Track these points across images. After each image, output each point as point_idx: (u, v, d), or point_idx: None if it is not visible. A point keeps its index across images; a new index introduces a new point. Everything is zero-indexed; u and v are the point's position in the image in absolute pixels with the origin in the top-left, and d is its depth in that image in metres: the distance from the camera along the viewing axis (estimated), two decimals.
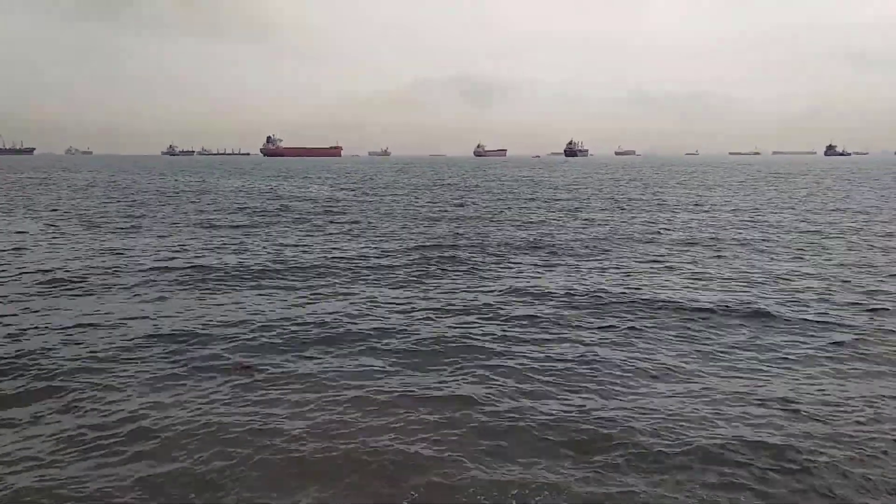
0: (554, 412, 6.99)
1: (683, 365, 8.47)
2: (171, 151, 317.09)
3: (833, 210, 29.87)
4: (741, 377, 8.06)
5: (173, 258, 16.08)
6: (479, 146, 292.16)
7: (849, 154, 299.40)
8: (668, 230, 22.16)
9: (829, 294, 12.38)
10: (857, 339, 9.51)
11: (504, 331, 9.92)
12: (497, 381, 7.87)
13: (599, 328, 10.11)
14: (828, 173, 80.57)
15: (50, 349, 8.90)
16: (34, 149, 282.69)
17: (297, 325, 10.17)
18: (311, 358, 8.67)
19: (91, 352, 8.83)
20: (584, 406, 7.17)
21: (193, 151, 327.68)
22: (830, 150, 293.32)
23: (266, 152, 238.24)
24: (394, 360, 8.62)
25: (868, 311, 11.15)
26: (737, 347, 9.19)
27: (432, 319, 10.55)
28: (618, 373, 8.14)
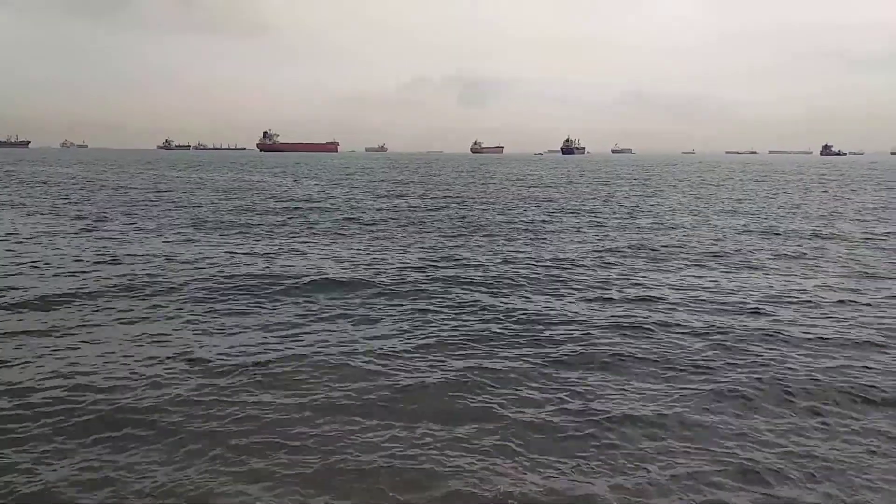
0: (551, 476, 6.57)
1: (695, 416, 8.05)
2: (166, 146, 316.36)
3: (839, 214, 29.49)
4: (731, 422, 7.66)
5: (150, 267, 15.59)
6: (475, 143, 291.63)
7: (844, 154, 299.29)
8: (672, 236, 21.74)
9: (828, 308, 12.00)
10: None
11: (506, 364, 9.50)
12: (495, 421, 7.45)
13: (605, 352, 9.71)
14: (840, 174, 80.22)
15: None
16: (29, 142, 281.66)
17: (289, 344, 9.72)
18: (303, 383, 8.22)
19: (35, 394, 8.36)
20: (581, 470, 6.76)
21: (189, 146, 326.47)
22: (826, 149, 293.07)
23: (262, 147, 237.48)
24: (391, 391, 8.17)
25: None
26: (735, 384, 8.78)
27: (433, 343, 10.11)
28: (622, 427, 7.73)
